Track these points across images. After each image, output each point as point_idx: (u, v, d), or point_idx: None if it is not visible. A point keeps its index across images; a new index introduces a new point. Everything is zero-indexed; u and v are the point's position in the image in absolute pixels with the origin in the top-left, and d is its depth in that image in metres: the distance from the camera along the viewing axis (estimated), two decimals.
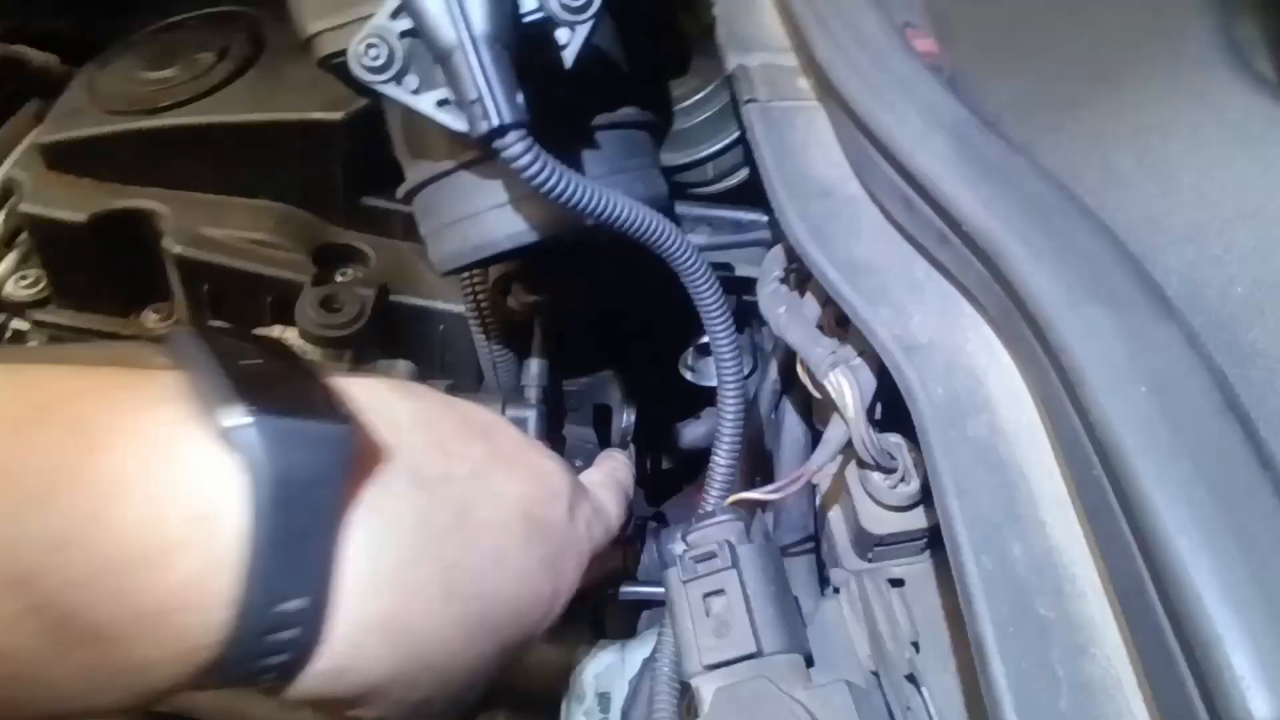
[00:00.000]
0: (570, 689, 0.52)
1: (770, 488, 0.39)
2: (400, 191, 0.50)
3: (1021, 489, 0.30)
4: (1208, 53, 0.36)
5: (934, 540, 0.43)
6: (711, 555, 0.35)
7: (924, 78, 0.36)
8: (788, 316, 0.40)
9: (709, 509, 0.41)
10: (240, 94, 0.62)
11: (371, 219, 0.68)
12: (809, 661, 0.35)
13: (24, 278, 0.69)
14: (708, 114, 0.76)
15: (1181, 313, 0.28)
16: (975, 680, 0.40)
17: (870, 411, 0.39)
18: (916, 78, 0.36)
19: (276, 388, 0.25)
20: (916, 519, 0.41)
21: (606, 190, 0.36)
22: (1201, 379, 0.26)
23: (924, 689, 0.37)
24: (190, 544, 0.23)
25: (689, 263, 0.40)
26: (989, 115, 0.34)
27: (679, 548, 0.63)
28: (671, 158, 0.65)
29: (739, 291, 0.62)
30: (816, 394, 0.41)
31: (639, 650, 0.52)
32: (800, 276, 0.43)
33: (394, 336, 0.66)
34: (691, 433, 0.88)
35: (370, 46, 0.36)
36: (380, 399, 0.30)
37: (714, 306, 0.41)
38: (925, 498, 0.41)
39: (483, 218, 0.46)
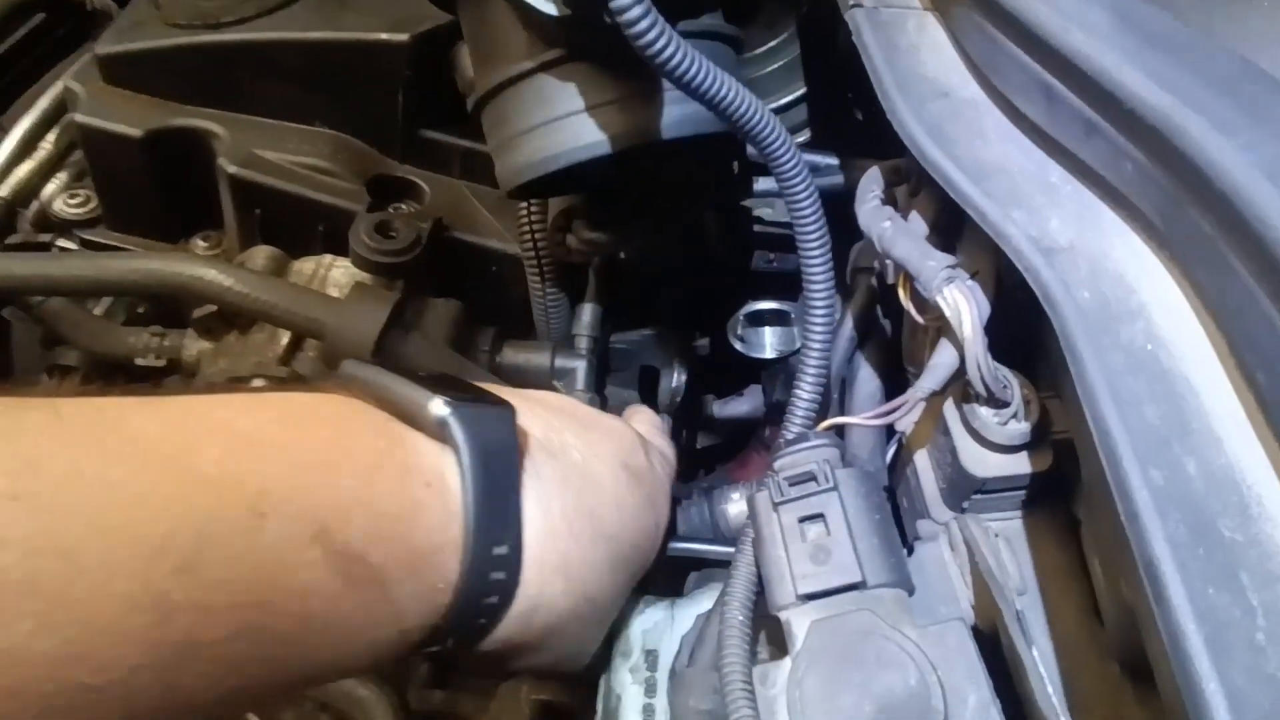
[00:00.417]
0: (616, 644, 0.48)
1: (871, 413, 0.35)
2: (470, 101, 0.47)
3: (1190, 401, 0.26)
4: None
5: (1034, 495, 0.39)
6: (809, 477, 0.32)
7: None
8: (894, 230, 0.36)
9: (793, 435, 0.37)
10: (305, 12, 0.60)
11: (429, 153, 0.66)
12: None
13: (74, 196, 0.67)
14: (775, 66, 0.73)
15: None
16: (1080, 647, 0.36)
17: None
18: None
19: (450, 386, 0.31)
20: (1026, 463, 0.37)
21: (723, 72, 0.33)
22: None
23: (1032, 644, 0.33)
24: (429, 504, 0.29)
25: (789, 163, 0.36)
26: None
27: (733, 507, 0.60)
28: None
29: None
30: (920, 318, 0.37)
31: (689, 608, 0.48)
32: (908, 190, 0.39)
33: (446, 274, 0.64)
34: (734, 408, 0.85)
35: None
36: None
37: (809, 215, 0.37)
38: (1039, 440, 0.37)
39: (560, 125, 0.43)
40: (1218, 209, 0.25)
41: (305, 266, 0.62)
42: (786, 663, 0.29)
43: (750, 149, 0.46)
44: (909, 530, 0.43)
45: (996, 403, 0.36)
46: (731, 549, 0.52)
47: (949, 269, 0.34)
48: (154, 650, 0.22)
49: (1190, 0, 0.30)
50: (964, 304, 0.33)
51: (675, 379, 0.69)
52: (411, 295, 0.59)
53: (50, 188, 0.69)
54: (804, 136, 0.74)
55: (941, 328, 0.36)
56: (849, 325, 0.53)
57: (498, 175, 0.48)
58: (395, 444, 0.30)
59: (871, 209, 0.38)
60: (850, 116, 0.70)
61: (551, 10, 0.35)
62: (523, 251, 0.62)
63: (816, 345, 0.40)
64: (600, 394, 0.65)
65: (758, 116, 0.35)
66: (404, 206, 0.65)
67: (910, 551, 0.39)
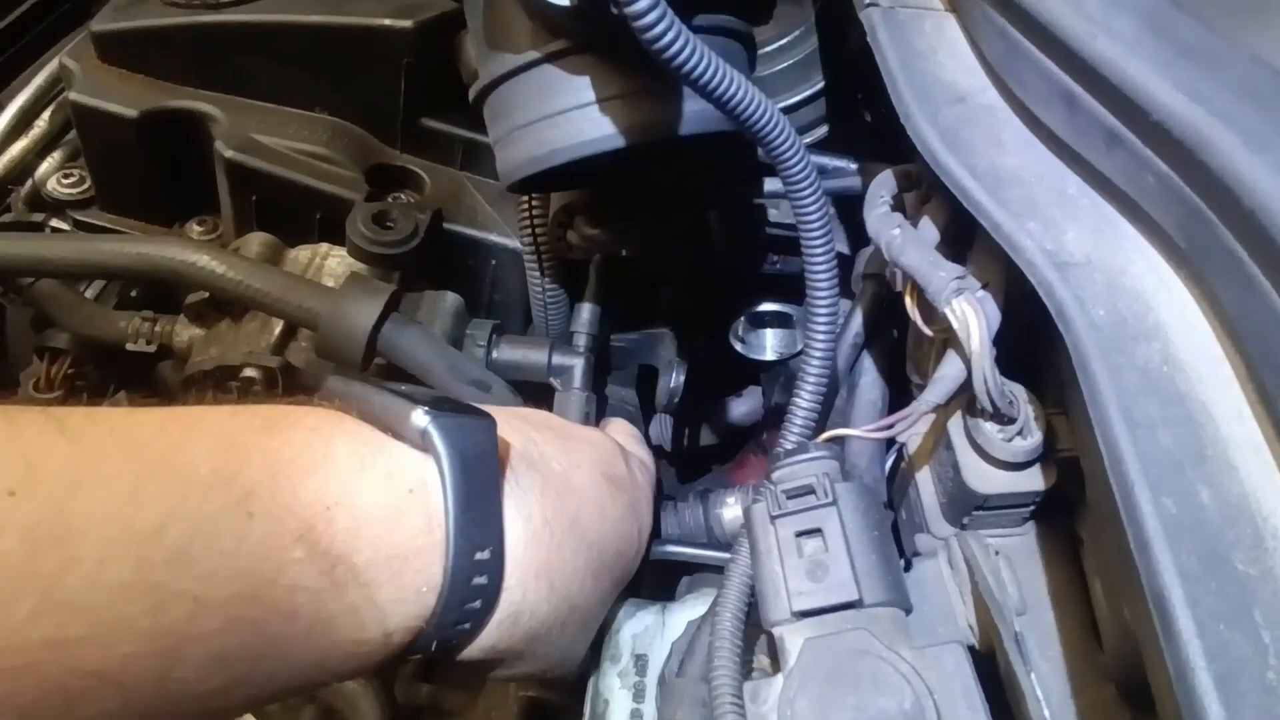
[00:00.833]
0: (605, 648, 0.48)
1: (872, 425, 0.35)
2: (473, 91, 0.46)
3: (1206, 427, 0.25)
4: None
5: (1035, 512, 0.38)
6: (807, 490, 0.31)
7: None
8: (903, 238, 0.35)
9: (791, 447, 0.36)
10: None
11: (429, 143, 0.65)
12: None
13: (68, 176, 0.66)
14: (786, 64, 0.71)
15: None
16: (1078, 668, 0.36)
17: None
18: None
19: (431, 399, 0.32)
20: (1030, 480, 0.36)
21: (731, 69, 0.32)
22: None
23: (1030, 667, 0.32)
24: (411, 509, 0.30)
25: (796, 165, 0.35)
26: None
27: (728, 511, 0.59)
28: None
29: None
30: (928, 330, 0.36)
31: (680, 612, 0.47)
32: (919, 197, 0.38)
33: (444, 266, 0.63)
34: (733, 409, 0.84)
35: None
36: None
37: (814, 218, 0.36)
38: (1043, 458, 0.36)
39: (564, 119, 0.42)
40: (1245, 227, 0.24)
41: (301, 255, 0.61)
42: (779, 680, 0.28)
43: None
44: (907, 544, 0.42)
45: (1002, 418, 0.35)
46: (724, 554, 0.51)
47: (958, 280, 0.33)
48: (148, 639, 0.23)
49: (1218, 8, 0.29)
50: (973, 317, 0.32)
51: (674, 379, 0.69)
52: (408, 287, 0.58)
53: (44, 167, 0.68)
54: (813, 136, 0.73)
55: (948, 340, 0.35)
56: (853, 331, 0.52)
57: (498, 168, 0.47)
58: (378, 451, 0.30)
59: (880, 215, 0.37)
60: (859, 118, 0.69)
61: (561, 0, 0.33)
62: (523, 246, 0.61)
63: (818, 352, 0.39)
64: (598, 392, 0.64)
65: (765, 116, 0.34)
66: (403, 196, 0.64)
67: (908, 566, 0.38)
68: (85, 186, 0.66)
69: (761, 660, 0.37)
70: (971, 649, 0.33)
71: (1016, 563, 0.37)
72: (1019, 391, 0.36)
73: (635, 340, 0.71)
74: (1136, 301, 0.28)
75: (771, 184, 0.60)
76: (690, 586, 0.56)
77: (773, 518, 0.31)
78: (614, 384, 0.70)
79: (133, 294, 0.65)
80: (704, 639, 0.38)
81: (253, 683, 0.26)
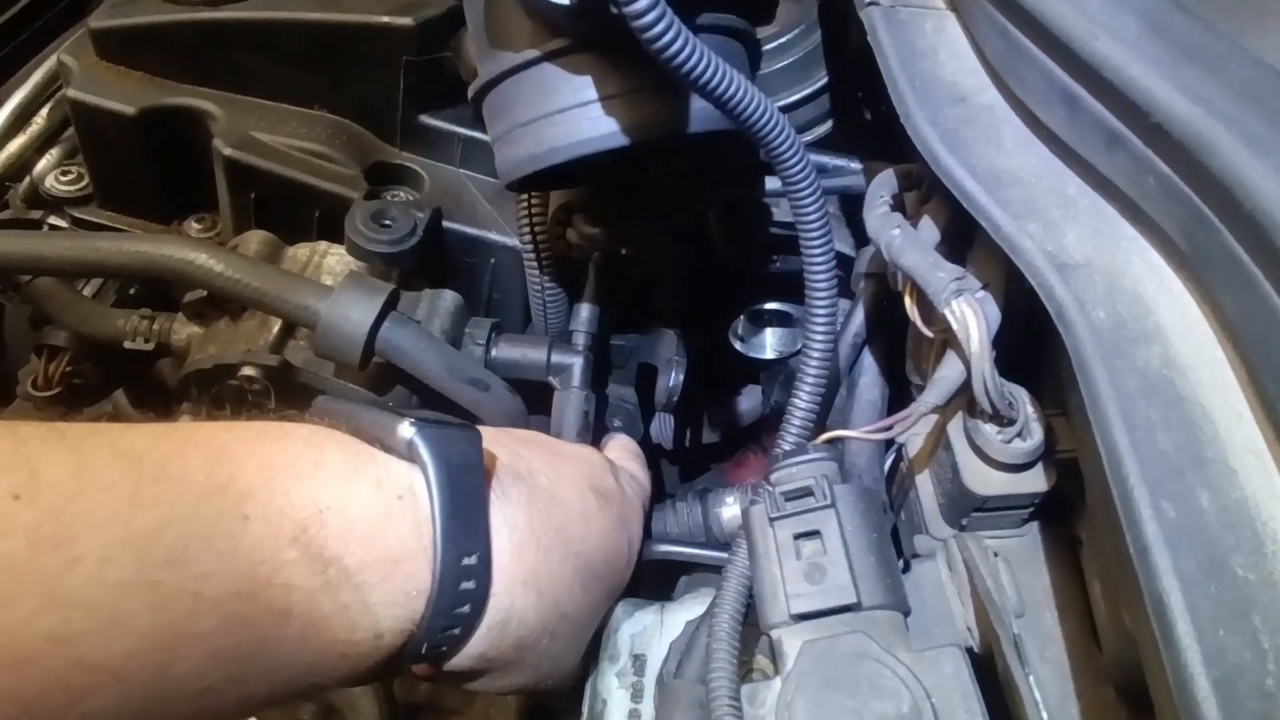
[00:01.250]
0: (603, 647, 0.48)
1: (871, 426, 0.34)
2: (472, 89, 0.46)
3: (1206, 430, 0.25)
4: None
5: (1034, 514, 0.38)
6: (805, 492, 0.31)
7: None
8: (903, 239, 0.35)
9: (789, 448, 0.36)
10: None
11: (428, 141, 0.65)
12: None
13: (66, 173, 0.66)
14: (785, 62, 0.71)
15: None
16: (1076, 670, 0.36)
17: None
18: None
19: (417, 415, 0.33)
20: (1029, 482, 0.36)
21: (729, 68, 0.32)
22: None
23: (1028, 670, 0.32)
24: (400, 514, 0.31)
25: (795, 165, 0.35)
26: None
27: (726, 511, 0.59)
28: None
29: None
30: (927, 330, 0.36)
31: (679, 612, 0.47)
32: (919, 197, 0.38)
33: (443, 265, 0.62)
34: (733, 408, 0.84)
35: None
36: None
37: (813, 218, 0.36)
38: (1042, 459, 0.36)
39: (563, 118, 0.42)
40: (1246, 230, 0.24)
41: (300, 253, 0.60)
42: (776, 683, 0.28)
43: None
44: (905, 545, 0.42)
45: (1001, 420, 0.35)
46: (723, 554, 0.51)
47: (958, 281, 0.33)
48: (147, 635, 0.24)
49: (1219, 9, 0.29)
50: (972, 318, 0.32)
51: (673, 377, 0.68)
52: (407, 285, 0.58)
53: (42, 164, 0.67)
54: (813, 135, 0.73)
55: (948, 340, 0.35)
56: (853, 331, 0.52)
57: (497, 167, 0.46)
58: (368, 460, 0.31)
59: (880, 215, 0.37)
60: (860, 116, 0.68)
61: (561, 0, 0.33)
62: (522, 245, 0.60)
63: (817, 352, 0.39)
64: (597, 391, 0.64)
65: (763, 115, 0.34)
66: (402, 194, 0.64)
67: (906, 567, 0.38)
68: (83, 184, 0.66)
69: (760, 661, 0.37)
70: (970, 651, 0.33)
71: (1015, 564, 0.37)
72: (1018, 393, 0.35)
73: (634, 339, 0.71)
74: (1137, 304, 0.28)
75: (772, 182, 0.59)
76: (689, 586, 0.56)
77: (771, 520, 0.31)
78: (613, 383, 0.70)
79: (131, 292, 0.65)
80: (702, 640, 0.37)
81: (248, 682, 0.27)
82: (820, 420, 0.41)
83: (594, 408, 0.60)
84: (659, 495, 0.59)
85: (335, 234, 0.60)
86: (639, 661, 0.47)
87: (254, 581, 0.26)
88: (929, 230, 0.37)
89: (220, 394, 0.54)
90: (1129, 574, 0.23)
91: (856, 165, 0.56)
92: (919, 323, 0.36)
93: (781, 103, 0.64)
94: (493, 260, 0.64)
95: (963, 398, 0.36)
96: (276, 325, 0.56)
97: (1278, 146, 0.24)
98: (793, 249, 0.67)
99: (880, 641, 0.27)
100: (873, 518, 0.31)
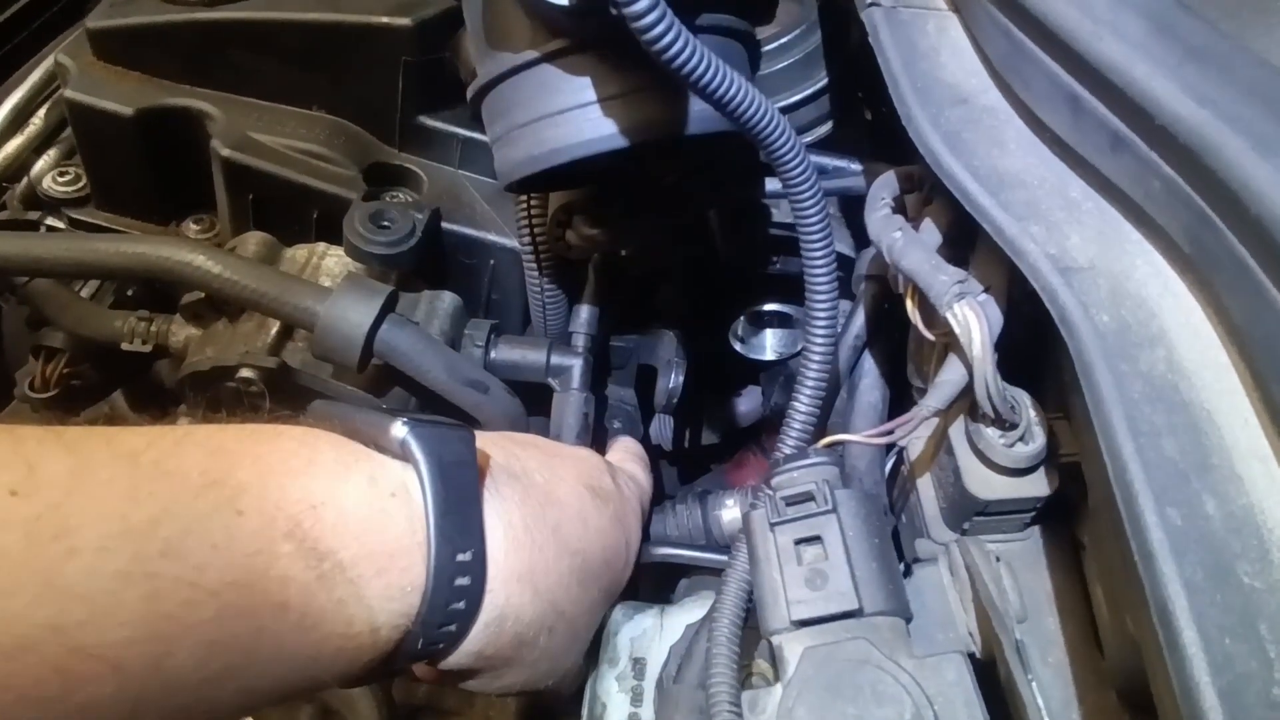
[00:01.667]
0: (603, 650, 0.47)
1: (872, 431, 0.34)
2: (471, 90, 0.46)
3: (1211, 435, 0.25)
4: None
5: (1036, 518, 0.38)
6: (807, 497, 0.30)
7: None
8: (905, 241, 0.35)
9: (788, 453, 0.36)
10: None
11: (426, 141, 0.64)
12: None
13: (63, 174, 0.66)
14: (785, 63, 0.71)
15: None
16: (1079, 675, 0.35)
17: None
18: None
19: (409, 414, 0.33)
20: (1031, 486, 0.35)
21: (730, 69, 0.32)
22: None
23: (1031, 675, 0.32)
24: (395, 511, 0.31)
25: (795, 166, 0.35)
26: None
27: (726, 513, 0.58)
28: None
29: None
30: (929, 333, 0.36)
31: (678, 615, 0.47)
32: (921, 199, 0.38)
33: (442, 266, 0.62)
34: (732, 409, 0.84)
35: None
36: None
37: (814, 219, 0.36)
38: (1044, 463, 0.35)
39: (563, 119, 0.41)
40: (1252, 233, 0.24)
41: (298, 254, 0.60)
42: (777, 690, 0.28)
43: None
44: (906, 549, 0.41)
45: (1004, 423, 0.34)
46: (723, 556, 0.51)
47: (960, 284, 0.33)
48: (144, 624, 0.24)
49: (1223, 10, 0.29)
50: (974, 321, 0.32)
51: (673, 379, 0.68)
52: (406, 287, 0.58)
53: (40, 164, 0.67)
54: (814, 136, 0.72)
55: (949, 344, 0.35)
56: (853, 333, 0.51)
57: (496, 168, 0.46)
58: (361, 459, 0.32)
59: (882, 218, 0.37)
60: (859, 117, 0.68)
61: (561, 0, 0.33)
62: (521, 246, 0.60)
63: (817, 354, 0.39)
64: (597, 393, 0.64)
65: (764, 117, 0.34)
66: (401, 195, 0.64)
67: (908, 572, 0.38)
68: (81, 185, 0.66)
69: (760, 665, 0.36)
70: (972, 656, 0.33)
71: (1017, 569, 0.37)
72: (1021, 396, 0.35)
73: (634, 340, 0.71)
74: (1141, 307, 0.28)
75: (772, 184, 0.59)
76: (689, 589, 0.56)
77: (772, 525, 0.30)
78: (613, 384, 0.69)
79: (129, 293, 0.64)
80: (702, 644, 0.37)
81: (246, 674, 0.27)
82: (821, 423, 0.41)
83: (594, 409, 0.59)
84: (659, 497, 0.59)
85: (334, 235, 0.60)
86: (638, 665, 0.46)
87: (249, 573, 0.26)
88: (931, 233, 0.36)
89: (217, 396, 0.54)
90: (1133, 580, 0.23)
91: (857, 166, 0.56)
92: (920, 326, 0.36)
93: (781, 104, 0.64)
94: (492, 261, 0.63)
95: (964, 401, 0.35)
96: (274, 327, 0.55)
97: None
98: (793, 250, 0.67)
99: (882, 648, 0.27)
100: (874, 523, 0.31)
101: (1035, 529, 0.38)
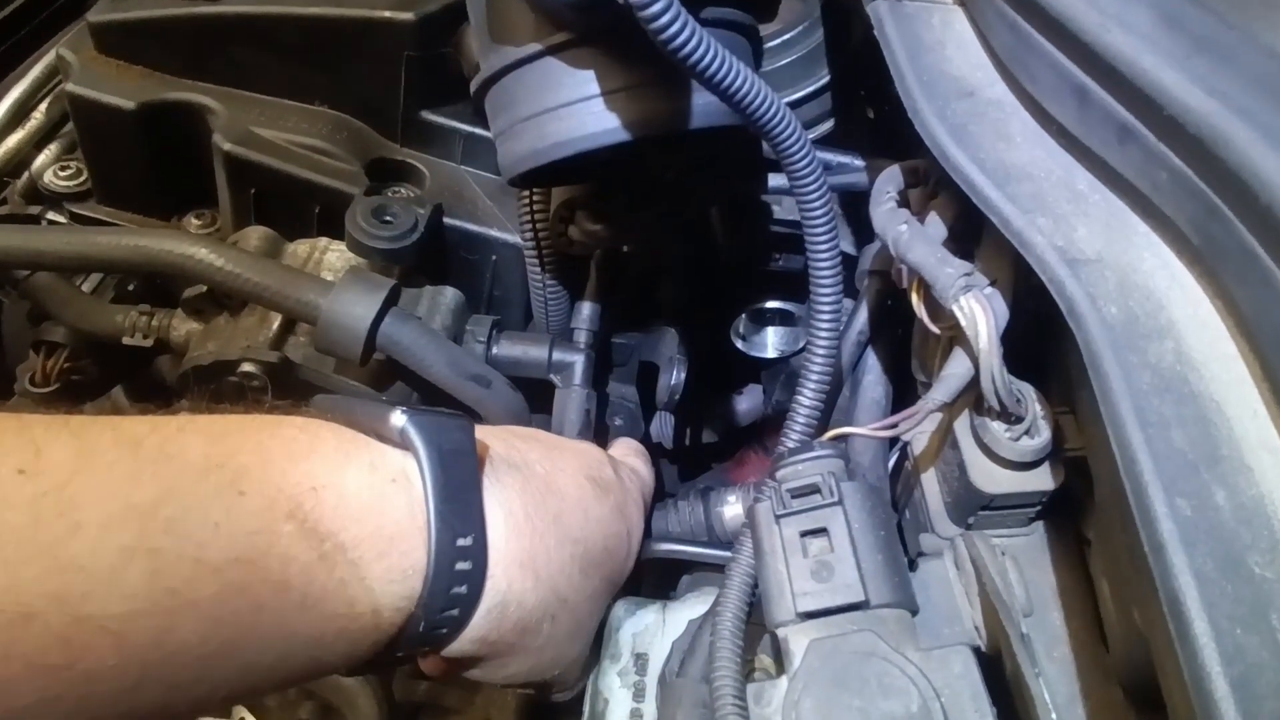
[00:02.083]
0: (605, 646, 0.47)
1: (878, 424, 0.34)
2: (474, 84, 0.45)
3: (1220, 426, 0.24)
4: None
5: (1041, 512, 0.38)
6: (812, 489, 0.30)
7: None
8: (910, 234, 0.35)
9: (794, 445, 0.36)
10: None
11: (429, 137, 0.64)
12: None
13: (64, 168, 0.66)
14: (789, 59, 0.71)
15: None
16: (1084, 670, 0.35)
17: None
18: None
19: (408, 405, 0.34)
20: (1037, 480, 0.35)
21: (739, 63, 0.32)
22: None
23: (1037, 670, 0.32)
24: (395, 496, 0.31)
25: (802, 161, 0.35)
26: None
27: (729, 510, 0.58)
28: None
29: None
30: (934, 326, 0.36)
31: (681, 611, 0.47)
32: (926, 193, 0.38)
33: (444, 262, 0.62)
34: (734, 407, 0.83)
35: None
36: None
37: (819, 215, 0.36)
38: (1050, 457, 0.35)
39: (566, 112, 0.41)
40: (1261, 223, 0.23)
41: (300, 249, 0.60)
42: (783, 682, 0.28)
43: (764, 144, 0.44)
44: (910, 544, 0.41)
45: (1009, 417, 0.34)
46: (725, 553, 0.51)
47: (966, 276, 0.33)
48: (148, 597, 0.25)
49: (1228, 2, 0.29)
50: (981, 314, 0.32)
51: (675, 376, 0.68)
52: (407, 282, 0.58)
53: (41, 159, 0.67)
54: (817, 132, 0.72)
55: (955, 337, 0.35)
56: (857, 329, 0.51)
57: (499, 162, 0.46)
58: (361, 445, 0.32)
59: (887, 211, 0.37)
60: (861, 114, 0.68)
61: None
62: (523, 241, 0.60)
63: (821, 349, 0.38)
64: (599, 389, 0.63)
65: (772, 111, 0.34)
66: (403, 190, 0.63)
67: (912, 566, 0.37)
68: (82, 179, 0.66)
69: (762, 660, 0.36)
70: (977, 650, 0.33)
71: (1023, 564, 0.36)
72: (1027, 390, 0.35)
73: (636, 337, 0.71)
74: (1149, 299, 0.27)
75: (775, 179, 0.59)
76: (691, 585, 0.56)
77: (777, 517, 0.30)
78: (614, 381, 0.69)
79: (130, 288, 0.64)
80: (705, 639, 0.37)
81: (248, 652, 0.27)
82: (824, 418, 0.41)
83: (595, 405, 0.59)
84: (661, 495, 0.59)
85: (336, 230, 0.59)
86: (641, 660, 0.46)
87: (251, 550, 0.27)
88: (936, 226, 0.36)
89: (219, 390, 0.53)
90: (1142, 572, 0.23)
91: (860, 162, 0.56)
92: (926, 319, 0.36)
93: (785, 100, 0.64)
94: (494, 257, 0.63)
95: (970, 395, 0.35)
96: (276, 321, 0.55)
97: None
98: (796, 246, 0.67)
99: (888, 640, 0.27)
100: (880, 515, 0.30)
101: (1040, 524, 0.38)
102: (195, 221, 0.66)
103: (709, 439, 0.85)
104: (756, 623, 0.33)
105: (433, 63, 0.60)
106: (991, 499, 0.35)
